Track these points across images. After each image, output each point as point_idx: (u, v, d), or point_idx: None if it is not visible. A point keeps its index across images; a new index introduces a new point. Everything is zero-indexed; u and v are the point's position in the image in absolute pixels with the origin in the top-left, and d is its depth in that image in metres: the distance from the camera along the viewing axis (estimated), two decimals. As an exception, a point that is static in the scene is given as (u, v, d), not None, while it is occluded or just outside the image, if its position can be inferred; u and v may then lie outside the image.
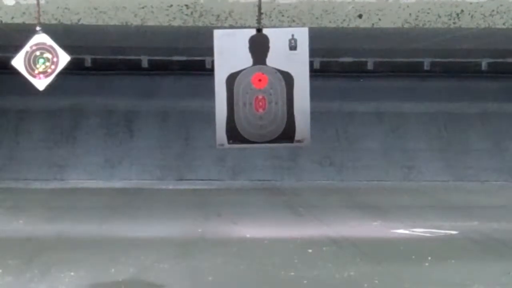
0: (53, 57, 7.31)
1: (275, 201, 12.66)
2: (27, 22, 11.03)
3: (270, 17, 11.36)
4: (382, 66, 15.79)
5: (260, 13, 7.22)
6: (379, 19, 11.62)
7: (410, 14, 11.67)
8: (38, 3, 7.49)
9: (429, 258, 7.54)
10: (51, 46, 7.34)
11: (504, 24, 11.75)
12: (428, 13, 11.61)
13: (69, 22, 11.42)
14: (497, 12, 11.63)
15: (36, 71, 7.30)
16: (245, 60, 6.40)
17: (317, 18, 11.54)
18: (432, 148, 16.02)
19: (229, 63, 6.39)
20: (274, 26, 10.84)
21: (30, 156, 15.38)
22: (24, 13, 11.16)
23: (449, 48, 14.31)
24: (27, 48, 7.30)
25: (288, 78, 6.42)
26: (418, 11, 11.59)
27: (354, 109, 16.23)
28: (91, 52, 14.91)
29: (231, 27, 11.22)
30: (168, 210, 11.45)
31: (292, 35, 6.44)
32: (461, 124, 16.23)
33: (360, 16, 11.58)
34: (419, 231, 9.32)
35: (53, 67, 7.32)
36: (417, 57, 15.38)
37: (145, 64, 15.49)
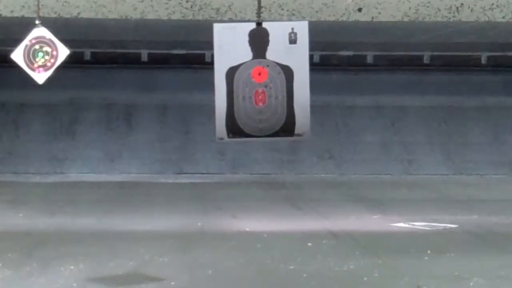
0: (52, 50, 7.32)
1: (274, 194, 12.66)
2: (26, 15, 11.03)
3: (270, 10, 11.35)
4: (381, 60, 15.77)
5: (259, 7, 7.21)
6: (379, 13, 11.62)
7: (409, 7, 11.66)
8: (37, -3, 7.49)
9: (429, 251, 7.55)
10: (50, 40, 7.34)
11: (503, 17, 11.75)
12: (427, 6, 11.60)
13: (68, 16, 11.42)
14: (497, 5, 11.62)
15: (36, 65, 7.30)
16: (245, 53, 6.40)
17: (316, 11, 11.53)
18: (432, 141, 16.02)
19: (228, 56, 6.39)
20: (273, 20, 10.84)
21: (30, 149, 15.38)
22: (23, 6, 11.14)
23: (448, 42, 14.30)
24: (26, 41, 7.30)
25: (288, 72, 6.41)
26: (418, 5, 11.59)
27: (354, 103, 16.22)
28: (90, 46, 14.88)
29: (230, 20, 11.21)
30: (167, 203, 11.45)
31: (292, 29, 6.44)
32: (461, 118, 16.23)
33: (359, 9, 11.57)
34: (418, 225, 9.32)
35: (52, 60, 7.32)
36: (417, 50, 15.36)
37: (144, 57, 15.46)
